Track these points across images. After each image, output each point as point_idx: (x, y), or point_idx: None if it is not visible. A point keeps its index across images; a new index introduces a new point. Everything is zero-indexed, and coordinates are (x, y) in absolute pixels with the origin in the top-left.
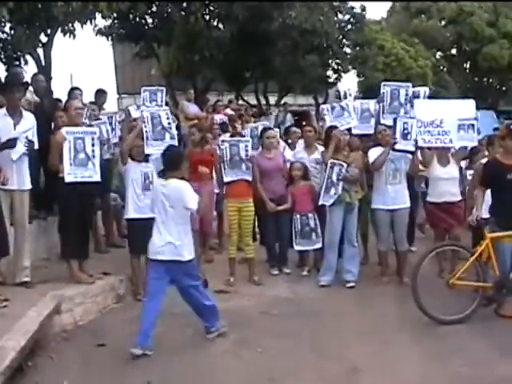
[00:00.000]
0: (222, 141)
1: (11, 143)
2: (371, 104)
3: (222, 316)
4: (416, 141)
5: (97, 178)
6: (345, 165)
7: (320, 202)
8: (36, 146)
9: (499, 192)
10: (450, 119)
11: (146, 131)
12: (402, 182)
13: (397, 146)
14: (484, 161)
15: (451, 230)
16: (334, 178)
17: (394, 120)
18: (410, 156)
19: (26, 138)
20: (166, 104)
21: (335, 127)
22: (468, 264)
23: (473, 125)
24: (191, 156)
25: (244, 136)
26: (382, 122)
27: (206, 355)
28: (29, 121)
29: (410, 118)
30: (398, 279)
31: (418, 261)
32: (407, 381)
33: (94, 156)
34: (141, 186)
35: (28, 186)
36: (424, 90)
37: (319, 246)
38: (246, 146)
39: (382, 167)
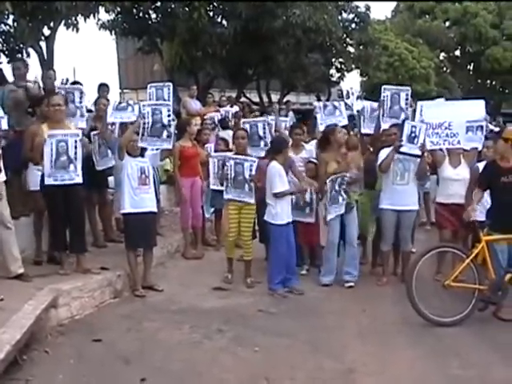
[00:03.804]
0: (228, 157)
1: None
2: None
3: (220, 313)
4: (423, 145)
5: (78, 180)
6: (346, 174)
7: (328, 217)
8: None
9: (495, 195)
10: (458, 121)
11: (144, 127)
12: (411, 183)
13: (402, 149)
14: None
15: (457, 232)
16: (337, 187)
17: (402, 123)
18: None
19: None
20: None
21: (335, 126)
22: (463, 266)
23: (481, 126)
24: (182, 151)
25: (246, 130)
26: (382, 125)
27: (203, 352)
28: None
29: (420, 122)
30: (397, 279)
31: (414, 262)
32: (404, 382)
33: (76, 158)
34: (137, 181)
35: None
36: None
37: (311, 220)
38: (251, 166)
39: (388, 169)
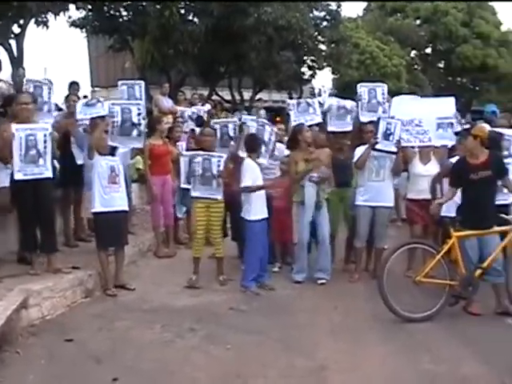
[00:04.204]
0: (196, 154)
1: None
2: (347, 103)
3: (191, 312)
4: (398, 141)
5: (48, 174)
6: (314, 174)
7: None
8: None
9: (465, 191)
10: (428, 118)
11: (114, 126)
12: (386, 180)
13: (378, 146)
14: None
15: (428, 228)
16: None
17: (378, 120)
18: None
19: None
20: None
21: (302, 125)
22: (434, 262)
23: (452, 123)
24: (153, 149)
25: (214, 129)
26: (361, 119)
27: (175, 351)
28: None
29: (395, 119)
30: (369, 276)
31: (385, 258)
32: (376, 378)
33: (45, 152)
34: (107, 180)
35: None
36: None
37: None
38: (219, 162)
39: (364, 165)
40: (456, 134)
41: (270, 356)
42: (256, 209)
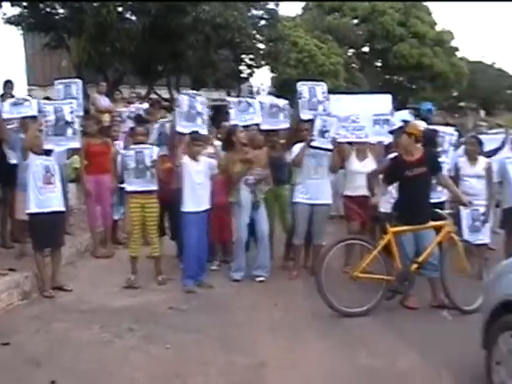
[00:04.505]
0: (129, 148)
1: None
2: (280, 101)
3: (130, 312)
4: (334, 139)
5: None
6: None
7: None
8: None
9: (400, 188)
10: (365, 114)
11: (47, 126)
12: (325, 178)
13: (314, 144)
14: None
15: (365, 224)
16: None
17: (314, 118)
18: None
19: None
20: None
21: (235, 126)
22: (371, 257)
23: (387, 120)
24: (88, 147)
25: (147, 128)
26: (302, 117)
27: (113, 352)
28: None
29: (330, 116)
30: (307, 272)
31: (323, 255)
32: (314, 374)
33: None
34: (42, 180)
35: None
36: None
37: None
38: (151, 152)
39: (301, 163)
40: (390, 132)
41: (209, 354)
42: (187, 201)
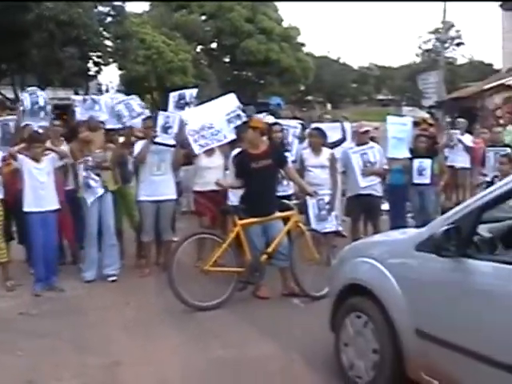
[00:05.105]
0: None
1: None
2: (120, 98)
3: None
4: (177, 134)
5: None
6: (89, 158)
7: (88, 202)
8: None
9: (247, 181)
10: (217, 118)
11: None
12: (168, 174)
13: (157, 140)
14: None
15: (216, 219)
16: (84, 173)
17: (156, 114)
18: (173, 148)
19: None
20: None
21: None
22: (221, 250)
23: (239, 115)
24: None
25: None
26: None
27: None
28: None
29: (172, 112)
30: (160, 269)
31: (173, 250)
32: (168, 369)
33: None
34: None
35: None
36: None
37: None
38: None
39: (145, 159)
40: (236, 128)
41: (62, 358)
42: (29, 201)
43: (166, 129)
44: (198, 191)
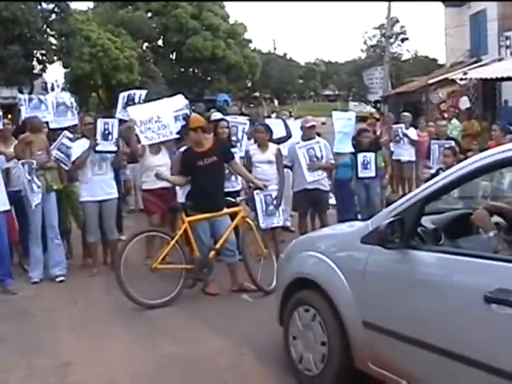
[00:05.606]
0: None
1: None
2: (66, 97)
3: None
4: (118, 140)
5: None
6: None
7: (33, 205)
8: None
9: (193, 178)
10: (165, 114)
11: None
12: (109, 173)
13: (98, 148)
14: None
15: (165, 216)
16: (28, 175)
17: (95, 121)
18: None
19: None
20: None
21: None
22: (169, 248)
23: (186, 114)
24: None
25: None
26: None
27: None
28: None
29: (112, 118)
30: (107, 268)
31: (121, 248)
32: (119, 368)
33: None
34: None
35: None
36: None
37: None
38: None
39: (84, 166)
40: (178, 133)
41: (9, 362)
42: None
43: (106, 135)
44: (148, 189)
